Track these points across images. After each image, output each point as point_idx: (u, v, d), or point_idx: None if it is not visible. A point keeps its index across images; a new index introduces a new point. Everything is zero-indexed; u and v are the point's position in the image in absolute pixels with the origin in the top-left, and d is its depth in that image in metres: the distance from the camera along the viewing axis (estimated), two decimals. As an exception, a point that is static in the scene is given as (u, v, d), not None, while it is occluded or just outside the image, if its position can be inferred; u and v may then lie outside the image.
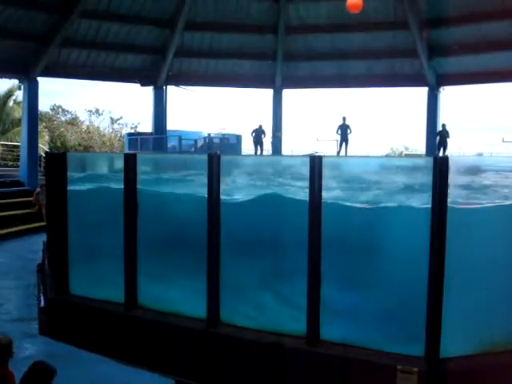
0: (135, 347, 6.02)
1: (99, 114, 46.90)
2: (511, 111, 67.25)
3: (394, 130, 72.52)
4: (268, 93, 27.21)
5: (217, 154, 5.52)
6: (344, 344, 5.01)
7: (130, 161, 6.09)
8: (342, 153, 22.63)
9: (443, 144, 22.53)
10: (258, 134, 25.02)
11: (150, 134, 27.19)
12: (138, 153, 6.32)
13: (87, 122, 46.63)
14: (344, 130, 22.96)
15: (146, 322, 5.98)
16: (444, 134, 22.75)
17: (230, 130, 30.33)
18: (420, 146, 27.79)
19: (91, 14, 22.78)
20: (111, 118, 47.14)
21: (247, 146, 26.35)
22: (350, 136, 23.05)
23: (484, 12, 21.20)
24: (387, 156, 30.01)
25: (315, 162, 5.00)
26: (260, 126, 25.10)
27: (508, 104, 63.71)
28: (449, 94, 25.87)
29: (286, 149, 29.30)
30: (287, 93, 27.46)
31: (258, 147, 25.03)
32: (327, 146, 26.18)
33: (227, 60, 25.98)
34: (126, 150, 27.51)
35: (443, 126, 23.16)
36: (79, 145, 43.15)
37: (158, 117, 26.83)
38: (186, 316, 5.77)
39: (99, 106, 48.00)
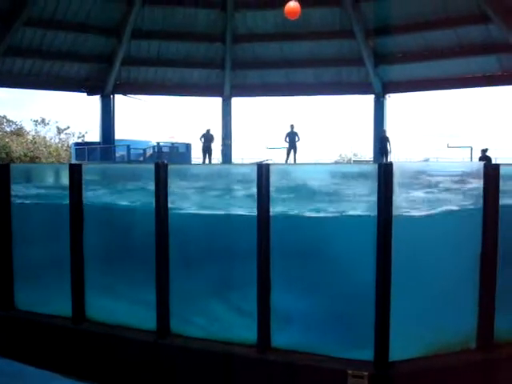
0: (85, 361, 5.90)
1: (45, 124, 45.87)
2: (455, 117, 69.20)
3: (342, 137, 73.63)
4: (217, 101, 27.21)
5: (164, 162, 5.49)
6: (295, 351, 5.03)
7: (76, 172, 5.99)
8: (291, 161, 22.69)
9: (385, 150, 22.85)
10: (208, 139, 24.72)
11: (98, 143, 26.75)
12: (84, 163, 6.21)
13: (33, 133, 45.56)
14: (292, 137, 23.05)
15: (94, 336, 5.88)
16: (385, 140, 23.08)
17: (180, 138, 30.17)
18: (368, 153, 28.21)
19: (36, 22, 22.31)
20: (58, 128, 46.08)
21: (197, 155, 26.21)
22: (298, 144, 23.16)
23: (428, 21, 21.78)
24: (336, 163, 30.34)
25: (263, 171, 5.02)
26: (208, 131, 24.80)
27: (452, 110, 65.55)
28: (395, 101, 26.42)
29: (236, 157, 29.34)
30: (236, 101, 27.53)
31: (207, 155, 24.81)
32: (277, 154, 26.32)
33: (175, 68, 25.88)
34: (74, 161, 27.04)
35: (383, 131, 23.56)
36: (25, 155, 42.01)
37: (105, 126, 26.43)
38: (136, 328, 5.70)
39: (46, 116, 46.91)
